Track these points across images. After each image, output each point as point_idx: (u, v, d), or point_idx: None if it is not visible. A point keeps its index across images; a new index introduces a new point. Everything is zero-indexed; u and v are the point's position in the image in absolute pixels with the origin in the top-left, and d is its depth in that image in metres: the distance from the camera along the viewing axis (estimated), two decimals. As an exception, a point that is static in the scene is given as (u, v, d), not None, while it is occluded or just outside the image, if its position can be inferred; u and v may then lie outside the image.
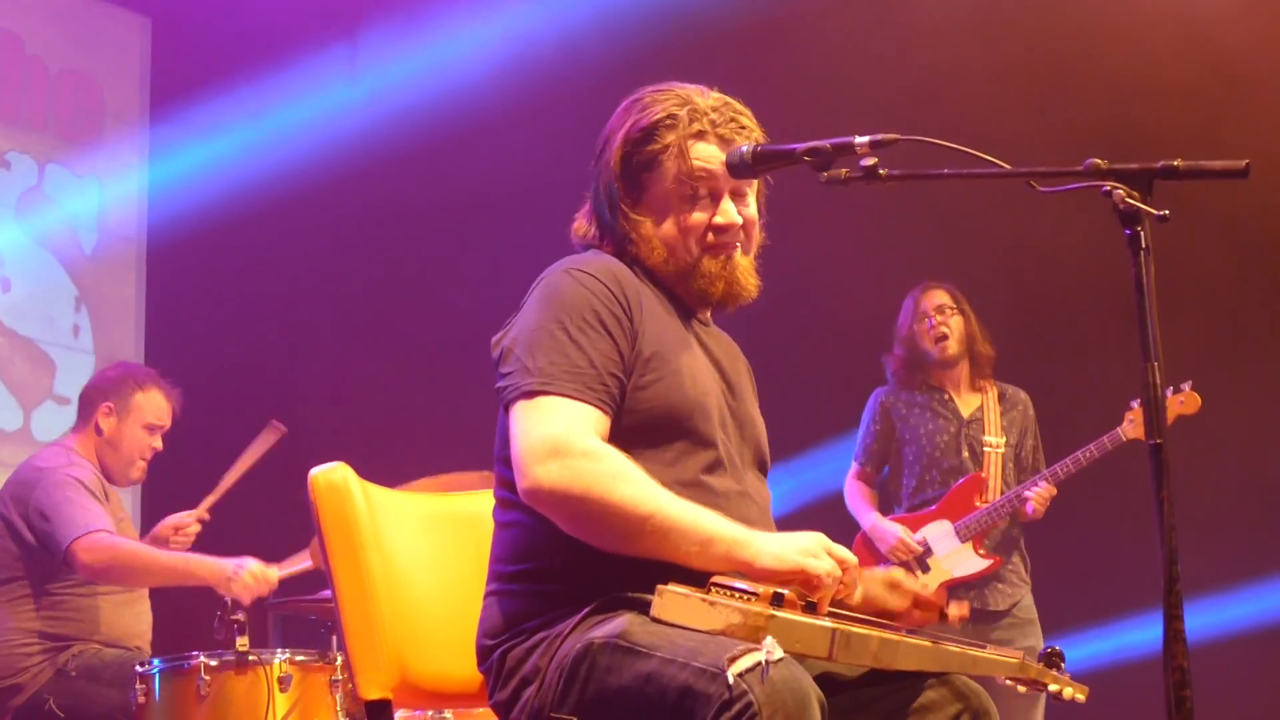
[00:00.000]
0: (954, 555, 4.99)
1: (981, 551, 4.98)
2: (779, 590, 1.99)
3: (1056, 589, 5.17)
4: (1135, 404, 4.76)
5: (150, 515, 4.74)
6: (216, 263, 6.71)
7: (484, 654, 2.33)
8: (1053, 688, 2.27)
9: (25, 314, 6.42)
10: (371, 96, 6.72)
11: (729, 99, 2.45)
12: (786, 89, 6.10)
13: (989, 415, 5.14)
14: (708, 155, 2.39)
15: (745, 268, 2.47)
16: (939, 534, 5.02)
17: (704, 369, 2.41)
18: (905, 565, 4.99)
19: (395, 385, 6.73)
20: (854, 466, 5.30)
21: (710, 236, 2.42)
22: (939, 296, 5.18)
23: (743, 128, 2.42)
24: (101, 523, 4.39)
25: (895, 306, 5.32)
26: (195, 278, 6.76)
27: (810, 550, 2.12)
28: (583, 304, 2.32)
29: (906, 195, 5.98)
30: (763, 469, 2.51)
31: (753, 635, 1.95)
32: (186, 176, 6.81)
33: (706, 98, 2.44)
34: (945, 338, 5.12)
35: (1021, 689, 2.36)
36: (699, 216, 2.41)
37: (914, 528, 5.05)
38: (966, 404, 5.18)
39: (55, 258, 6.58)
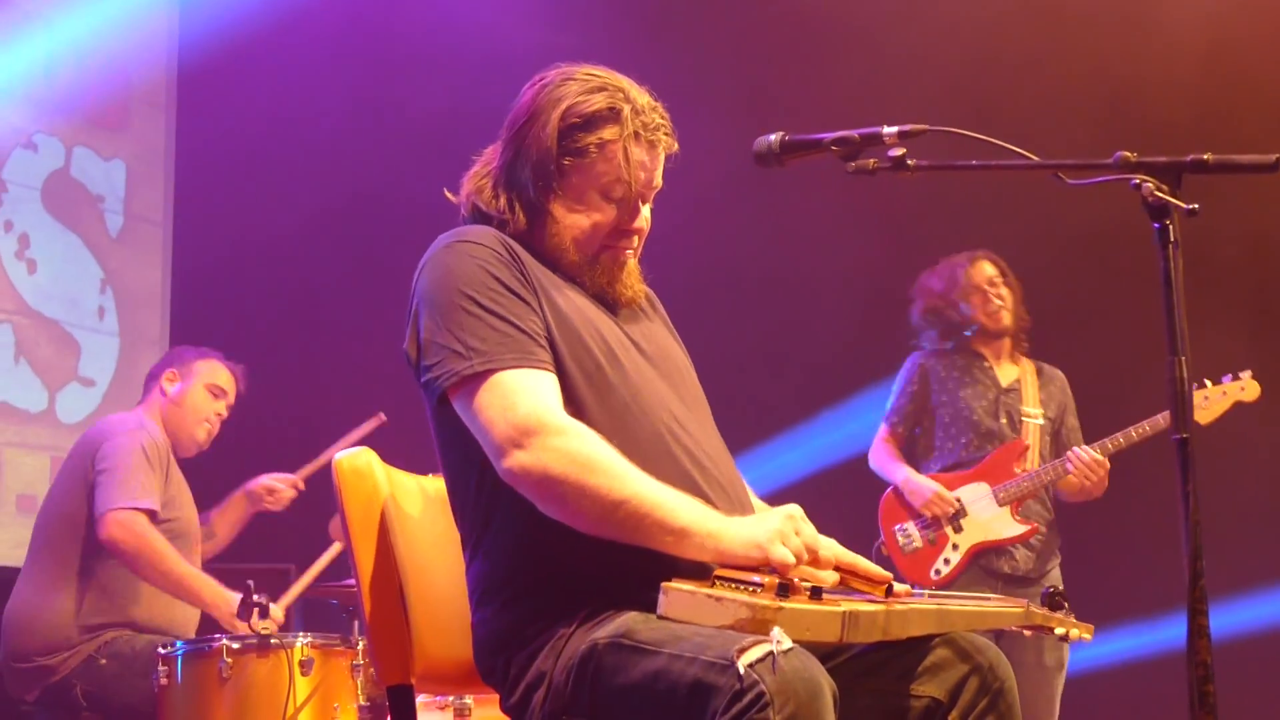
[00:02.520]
0: (991, 518, 4.96)
1: (1018, 517, 4.96)
2: (784, 580, 1.99)
3: (1081, 582, 5.14)
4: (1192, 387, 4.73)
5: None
6: (242, 247, 6.72)
7: (488, 670, 2.32)
8: (1059, 630, 2.32)
9: (50, 296, 6.44)
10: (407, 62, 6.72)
11: (656, 101, 2.41)
12: (817, 80, 6.09)
13: (1026, 388, 5.13)
14: (641, 160, 2.37)
15: (636, 271, 2.48)
16: (975, 496, 4.99)
17: (600, 321, 2.37)
18: (937, 521, 4.99)
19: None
20: (883, 428, 5.24)
21: (615, 238, 2.41)
22: (988, 268, 5.16)
23: (666, 134, 2.40)
24: (150, 503, 4.40)
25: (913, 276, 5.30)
26: (220, 263, 6.77)
27: (780, 533, 2.09)
28: (480, 273, 2.28)
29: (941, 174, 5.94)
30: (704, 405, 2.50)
31: (762, 628, 1.94)
32: (213, 162, 6.84)
33: (642, 95, 2.40)
34: (1000, 310, 5.13)
35: (1028, 633, 2.40)
36: (610, 216, 2.39)
37: (949, 488, 5.01)
38: (1005, 374, 5.17)
39: (81, 240, 6.61)
